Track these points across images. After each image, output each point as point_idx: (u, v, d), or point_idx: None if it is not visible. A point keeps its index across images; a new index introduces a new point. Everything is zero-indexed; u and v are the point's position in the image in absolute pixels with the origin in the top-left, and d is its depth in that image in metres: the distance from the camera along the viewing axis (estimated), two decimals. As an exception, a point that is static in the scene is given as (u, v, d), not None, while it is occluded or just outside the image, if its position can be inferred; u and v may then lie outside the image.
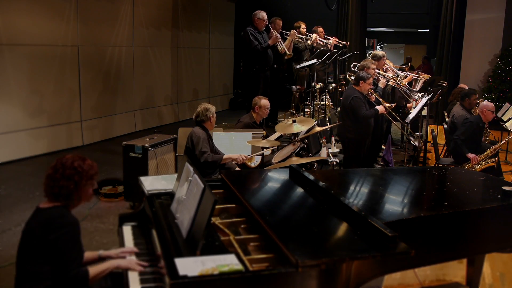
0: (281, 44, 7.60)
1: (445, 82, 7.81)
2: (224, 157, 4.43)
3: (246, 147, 4.85)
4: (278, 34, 7.58)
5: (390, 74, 6.78)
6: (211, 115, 4.44)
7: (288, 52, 7.64)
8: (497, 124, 7.28)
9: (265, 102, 5.24)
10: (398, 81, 6.60)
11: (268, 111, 5.37)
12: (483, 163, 5.51)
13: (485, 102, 5.86)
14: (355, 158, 5.63)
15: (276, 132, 5.19)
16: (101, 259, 2.46)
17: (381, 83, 6.24)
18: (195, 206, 2.16)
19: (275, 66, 8.07)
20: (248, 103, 5.99)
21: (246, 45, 7.55)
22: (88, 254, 2.46)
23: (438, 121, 9.39)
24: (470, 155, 5.52)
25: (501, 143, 5.68)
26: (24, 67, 6.62)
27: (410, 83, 7.17)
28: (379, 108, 5.61)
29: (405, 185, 3.27)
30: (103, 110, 8.12)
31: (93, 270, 2.25)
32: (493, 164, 5.50)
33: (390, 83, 6.47)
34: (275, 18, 7.88)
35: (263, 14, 7.53)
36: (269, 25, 7.69)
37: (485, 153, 5.56)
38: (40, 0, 6.77)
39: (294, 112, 8.45)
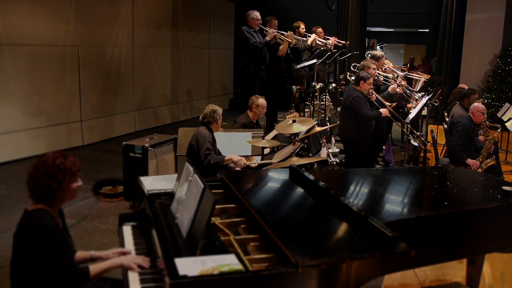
0: (281, 36, 7.50)
1: (444, 88, 7.80)
2: (226, 157, 4.43)
3: (246, 147, 4.85)
4: (274, 29, 7.46)
5: (389, 74, 6.77)
6: (218, 117, 4.43)
7: (290, 40, 7.56)
8: (498, 123, 7.27)
9: (262, 101, 5.25)
10: (398, 82, 6.60)
11: (265, 110, 5.38)
12: (483, 165, 5.51)
13: (476, 104, 5.79)
14: (356, 158, 5.63)
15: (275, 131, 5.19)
16: (93, 259, 2.44)
17: (391, 88, 6.23)
18: (195, 206, 2.16)
19: (273, 67, 8.02)
20: (245, 102, 5.98)
21: (243, 44, 7.44)
22: (79, 254, 2.44)
23: (438, 121, 9.40)
24: (469, 161, 5.49)
25: (488, 143, 5.65)
26: (24, 67, 6.62)
27: (409, 83, 7.16)
28: (383, 111, 5.61)
29: (405, 185, 3.27)
30: (103, 110, 8.12)
31: (94, 268, 2.25)
32: (492, 163, 5.49)
33: (398, 89, 6.42)
34: (271, 17, 7.71)
35: (256, 14, 7.40)
36: (266, 24, 7.62)
37: (481, 156, 5.55)
38: (40, 0, 6.77)
39: (294, 112, 8.44)
